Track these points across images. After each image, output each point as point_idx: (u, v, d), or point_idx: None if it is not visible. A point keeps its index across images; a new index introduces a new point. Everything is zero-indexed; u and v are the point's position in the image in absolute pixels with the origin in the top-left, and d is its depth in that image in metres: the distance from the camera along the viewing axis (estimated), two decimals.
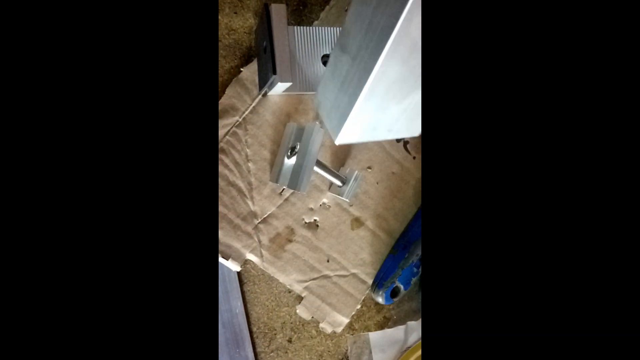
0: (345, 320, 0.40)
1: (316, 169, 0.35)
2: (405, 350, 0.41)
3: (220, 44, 0.35)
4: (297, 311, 0.39)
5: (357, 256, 0.40)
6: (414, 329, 0.42)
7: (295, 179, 0.33)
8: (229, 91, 0.35)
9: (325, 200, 0.39)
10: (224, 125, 0.35)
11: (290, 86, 0.34)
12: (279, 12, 0.31)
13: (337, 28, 0.36)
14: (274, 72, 0.31)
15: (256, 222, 0.37)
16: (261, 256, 0.37)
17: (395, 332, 0.42)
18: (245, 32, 0.36)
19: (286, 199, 0.37)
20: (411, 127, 0.28)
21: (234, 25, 0.35)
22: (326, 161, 0.38)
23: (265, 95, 0.36)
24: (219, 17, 0.35)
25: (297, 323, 0.39)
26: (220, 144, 0.35)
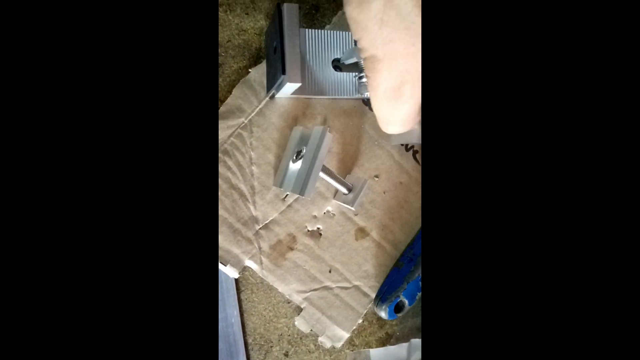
0: (346, 335, 0.38)
1: (322, 175, 0.34)
2: None
3: (229, 44, 0.35)
4: (296, 323, 0.37)
5: (361, 268, 0.39)
6: (417, 347, 0.40)
7: (300, 183, 0.32)
8: (235, 92, 0.34)
9: (329, 208, 0.37)
10: (229, 126, 0.35)
11: (299, 89, 0.33)
12: (291, 12, 0.30)
13: (349, 33, 0.35)
14: (283, 72, 0.30)
15: (257, 227, 0.36)
16: (261, 263, 0.36)
17: (398, 350, 0.40)
18: (255, 33, 0.35)
19: (289, 205, 0.36)
20: None
21: (245, 25, 0.35)
22: (332, 168, 0.37)
23: (272, 97, 0.35)
24: (230, 17, 0.34)
25: (295, 336, 0.38)
26: (224, 146, 0.34)
